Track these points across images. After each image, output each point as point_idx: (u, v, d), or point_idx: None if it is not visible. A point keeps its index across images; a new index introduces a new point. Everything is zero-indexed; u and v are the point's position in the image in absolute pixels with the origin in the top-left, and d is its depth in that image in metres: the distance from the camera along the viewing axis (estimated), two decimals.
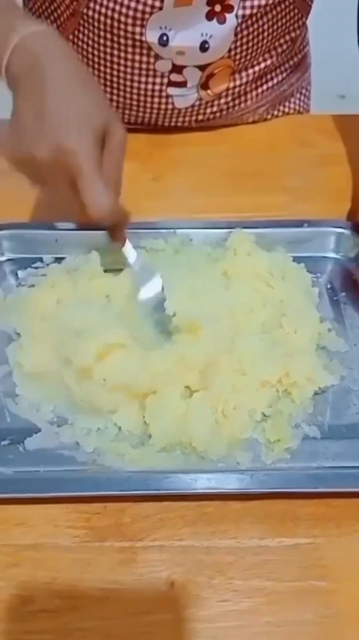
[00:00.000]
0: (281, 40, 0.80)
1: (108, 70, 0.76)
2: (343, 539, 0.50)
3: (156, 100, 0.78)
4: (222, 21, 0.71)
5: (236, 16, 0.71)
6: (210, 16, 0.71)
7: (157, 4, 0.68)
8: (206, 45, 0.73)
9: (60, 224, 0.68)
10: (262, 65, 0.81)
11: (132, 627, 0.46)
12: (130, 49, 0.73)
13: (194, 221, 0.69)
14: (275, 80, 0.85)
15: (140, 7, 0.68)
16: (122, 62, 0.74)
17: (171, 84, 0.76)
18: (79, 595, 0.47)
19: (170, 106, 0.78)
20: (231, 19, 0.71)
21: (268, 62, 0.81)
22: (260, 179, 0.78)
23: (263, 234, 0.68)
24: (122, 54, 0.73)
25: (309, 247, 0.69)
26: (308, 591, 0.47)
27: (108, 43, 0.73)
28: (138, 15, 0.69)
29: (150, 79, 0.75)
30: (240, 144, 0.83)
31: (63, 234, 0.68)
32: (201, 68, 0.75)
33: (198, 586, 0.47)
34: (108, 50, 0.74)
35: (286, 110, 0.89)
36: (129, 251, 0.62)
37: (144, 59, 0.74)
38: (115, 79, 0.77)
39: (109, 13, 0.70)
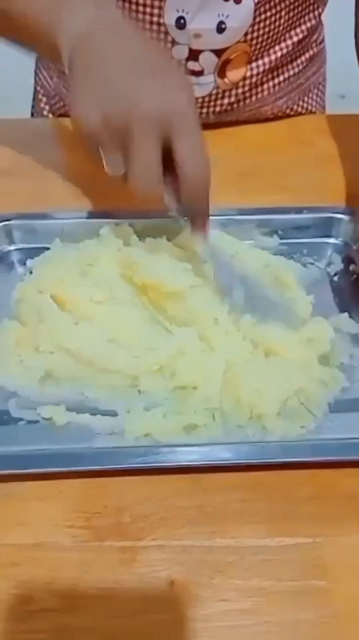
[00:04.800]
0: (297, 30, 0.81)
1: None
2: (343, 538, 0.50)
3: None
4: (238, 1, 0.72)
5: None
6: None
7: None
8: (223, 26, 0.74)
9: (67, 213, 0.69)
10: (279, 54, 0.82)
11: (132, 627, 0.45)
12: (147, 34, 0.73)
13: None
14: (291, 72, 0.86)
15: None
16: None
17: (188, 72, 0.77)
18: (79, 595, 0.47)
19: None
20: (247, 0, 0.72)
21: (284, 51, 0.82)
22: (260, 179, 0.78)
23: (263, 220, 0.69)
24: None
25: (309, 233, 0.70)
26: (308, 591, 0.47)
27: None
28: None
29: None
30: (240, 144, 0.83)
31: (69, 223, 0.69)
32: (218, 53, 0.76)
33: (198, 586, 0.47)
34: None
35: (307, 106, 0.89)
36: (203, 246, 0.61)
37: (161, 44, 0.74)
38: None
39: None
